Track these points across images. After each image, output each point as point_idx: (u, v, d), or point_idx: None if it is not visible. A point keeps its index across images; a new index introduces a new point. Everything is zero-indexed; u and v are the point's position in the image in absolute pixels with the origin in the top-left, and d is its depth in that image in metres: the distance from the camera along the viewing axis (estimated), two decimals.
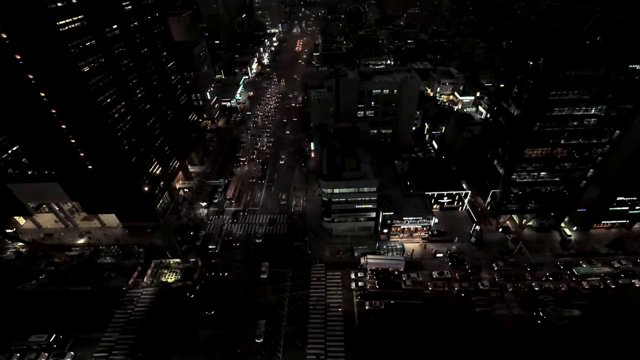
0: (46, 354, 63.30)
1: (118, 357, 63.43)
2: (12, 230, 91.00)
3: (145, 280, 76.81)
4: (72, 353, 63.75)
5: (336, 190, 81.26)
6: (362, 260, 78.78)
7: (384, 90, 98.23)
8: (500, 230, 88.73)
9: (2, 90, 66.36)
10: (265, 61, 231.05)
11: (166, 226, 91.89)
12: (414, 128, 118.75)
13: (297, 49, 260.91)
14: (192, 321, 68.58)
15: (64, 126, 71.54)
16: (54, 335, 65.17)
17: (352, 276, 77.22)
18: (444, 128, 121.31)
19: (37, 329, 66.98)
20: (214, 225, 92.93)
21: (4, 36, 59.56)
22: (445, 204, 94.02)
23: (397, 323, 67.71)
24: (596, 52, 62.15)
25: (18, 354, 63.61)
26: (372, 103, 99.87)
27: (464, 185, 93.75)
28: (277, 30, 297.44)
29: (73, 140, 73.71)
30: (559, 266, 78.93)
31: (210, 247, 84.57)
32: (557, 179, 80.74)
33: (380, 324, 67.83)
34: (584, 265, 77.43)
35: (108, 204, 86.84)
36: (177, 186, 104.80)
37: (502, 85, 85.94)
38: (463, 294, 72.92)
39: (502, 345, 63.71)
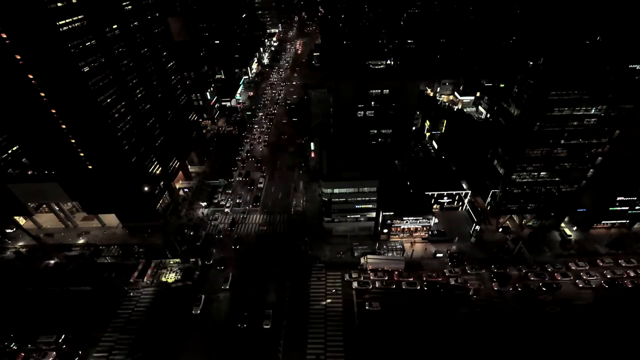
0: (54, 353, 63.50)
1: (118, 357, 63.49)
2: (12, 230, 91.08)
3: (145, 280, 76.84)
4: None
5: (336, 190, 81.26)
6: (362, 260, 78.78)
7: (384, 91, 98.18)
8: (500, 230, 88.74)
9: (2, 90, 66.37)
10: (265, 61, 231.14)
11: (166, 226, 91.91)
12: (414, 128, 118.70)
13: (297, 48, 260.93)
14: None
15: (64, 126, 71.51)
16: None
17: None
18: (443, 128, 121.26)
19: (37, 328, 67.20)
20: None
21: (4, 36, 59.55)
22: (445, 204, 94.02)
23: None
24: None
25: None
26: (372, 103, 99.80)
27: (464, 185, 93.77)
28: (277, 30, 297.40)
29: (73, 140, 73.68)
30: None
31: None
32: (557, 179, 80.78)
33: None
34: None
35: (108, 204, 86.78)
36: (177, 186, 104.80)
37: (502, 85, 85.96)
38: None
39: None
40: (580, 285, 74.25)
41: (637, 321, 67.03)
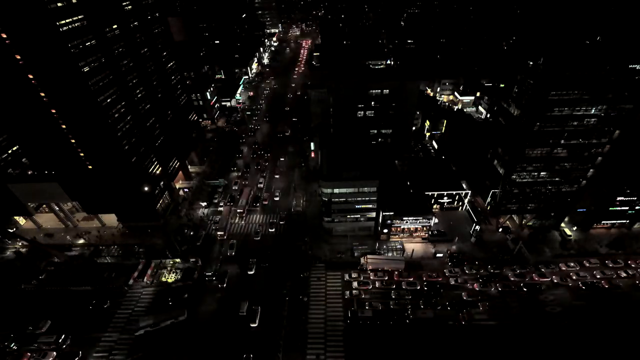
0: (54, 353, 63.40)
1: (118, 357, 63.52)
2: (12, 230, 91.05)
3: (145, 280, 76.83)
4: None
5: (336, 190, 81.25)
6: (362, 260, 78.78)
7: (384, 91, 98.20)
8: (500, 230, 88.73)
9: (2, 90, 66.38)
10: (265, 61, 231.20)
11: (166, 226, 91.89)
12: (414, 128, 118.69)
13: (297, 47, 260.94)
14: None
15: (64, 126, 71.53)
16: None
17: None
18: (443, 128, 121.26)
19: (37, 328, 67.13)
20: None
21: (4, 36, 59.56)
22: (445, 204, 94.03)
23: None
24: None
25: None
26: (372, 103, 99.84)
27: (464, 185, 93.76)
28: (277, 30, 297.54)
29: (73, 140, 73.70)
30: None
31: None
32: (557, 179, 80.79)
33: None
34: None
35: (108, 204, 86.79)
36: (177, 186, 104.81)
37: (502, 85, 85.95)
38: None
39: None
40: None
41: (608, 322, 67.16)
